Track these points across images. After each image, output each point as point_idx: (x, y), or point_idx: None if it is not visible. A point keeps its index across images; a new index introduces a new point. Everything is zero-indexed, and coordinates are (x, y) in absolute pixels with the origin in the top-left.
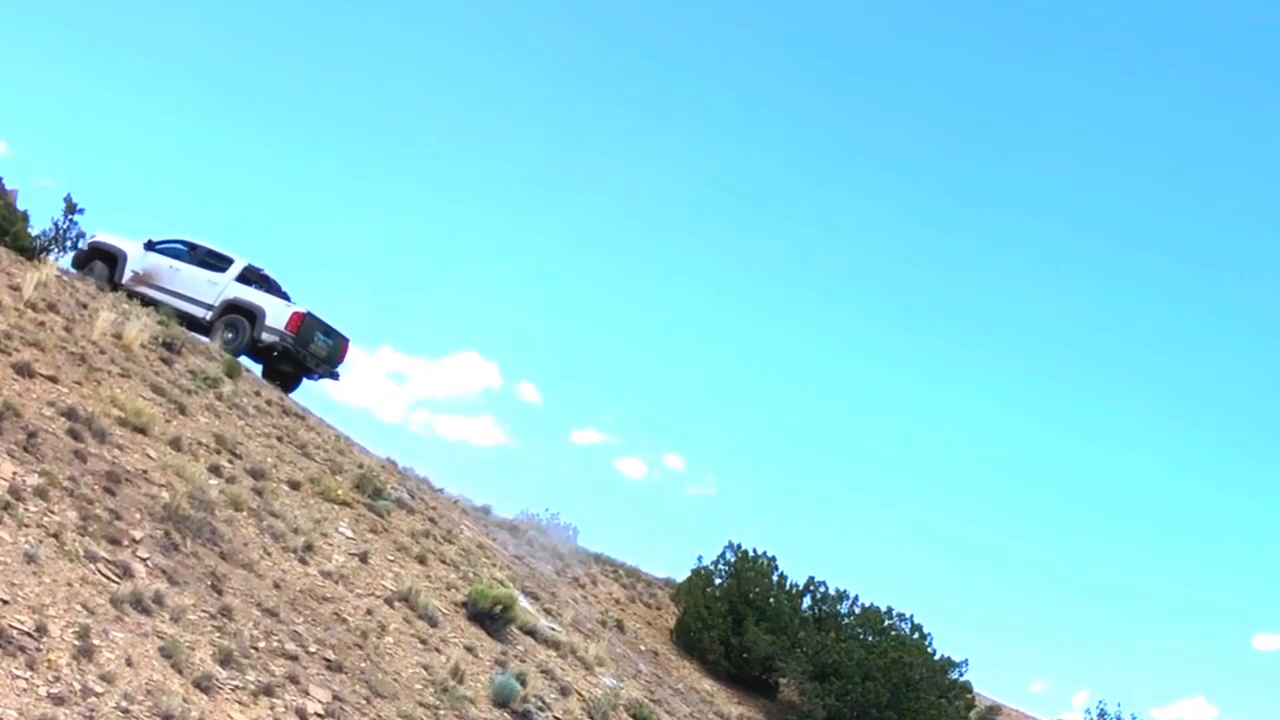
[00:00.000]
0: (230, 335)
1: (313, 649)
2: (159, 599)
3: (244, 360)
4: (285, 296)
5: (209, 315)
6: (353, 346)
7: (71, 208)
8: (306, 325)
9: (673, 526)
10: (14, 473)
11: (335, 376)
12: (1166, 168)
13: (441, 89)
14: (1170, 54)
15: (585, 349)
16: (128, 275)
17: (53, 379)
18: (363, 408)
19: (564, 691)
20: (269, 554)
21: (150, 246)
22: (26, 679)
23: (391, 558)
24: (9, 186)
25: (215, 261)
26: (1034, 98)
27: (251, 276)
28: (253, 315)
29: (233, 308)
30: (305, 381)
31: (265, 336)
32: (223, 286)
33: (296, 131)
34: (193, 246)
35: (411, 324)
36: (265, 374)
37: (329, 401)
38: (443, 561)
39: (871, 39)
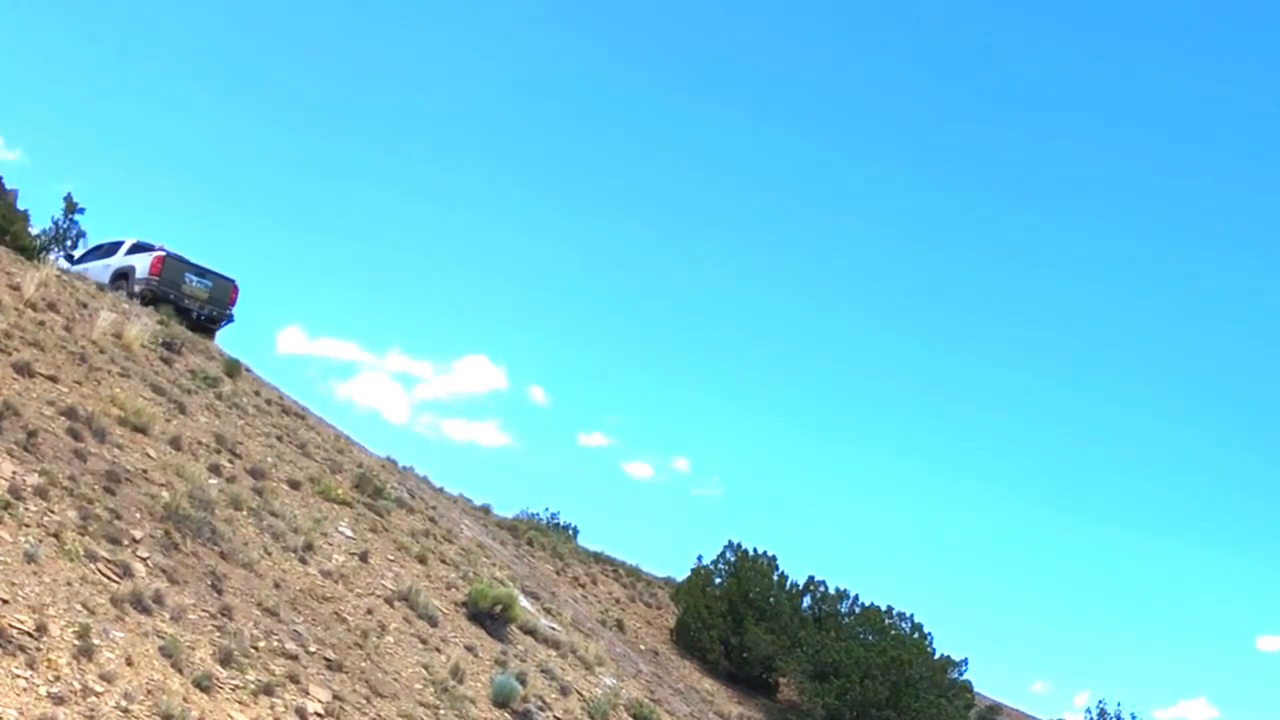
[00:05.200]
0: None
1: (313, 648)
2: (159, 598)
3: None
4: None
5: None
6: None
7: (72, 207)
8: (169, 266)
9: (680, 527)
10: (14, 472)
11: (230, 319)
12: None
13: (452, 94)
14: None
15: (593, 353)
16: None
17: (53, 378)
18: (370, 409)
19: (564, 691)
20: (269, 553)
21: (71, 260)
22: (26, 678)
23: (391, 557)
24: (9, 186)
25: (111, 249)
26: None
27: (140, 248)
28: (127, 274)
29: (118, 275)
30: (220, 334)
31: (138, 287)
32: (114, 264)
33: (306, 135)
34: (99, 246)
35: (421, 327)
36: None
37: (333, 402)
38: (443, 561)
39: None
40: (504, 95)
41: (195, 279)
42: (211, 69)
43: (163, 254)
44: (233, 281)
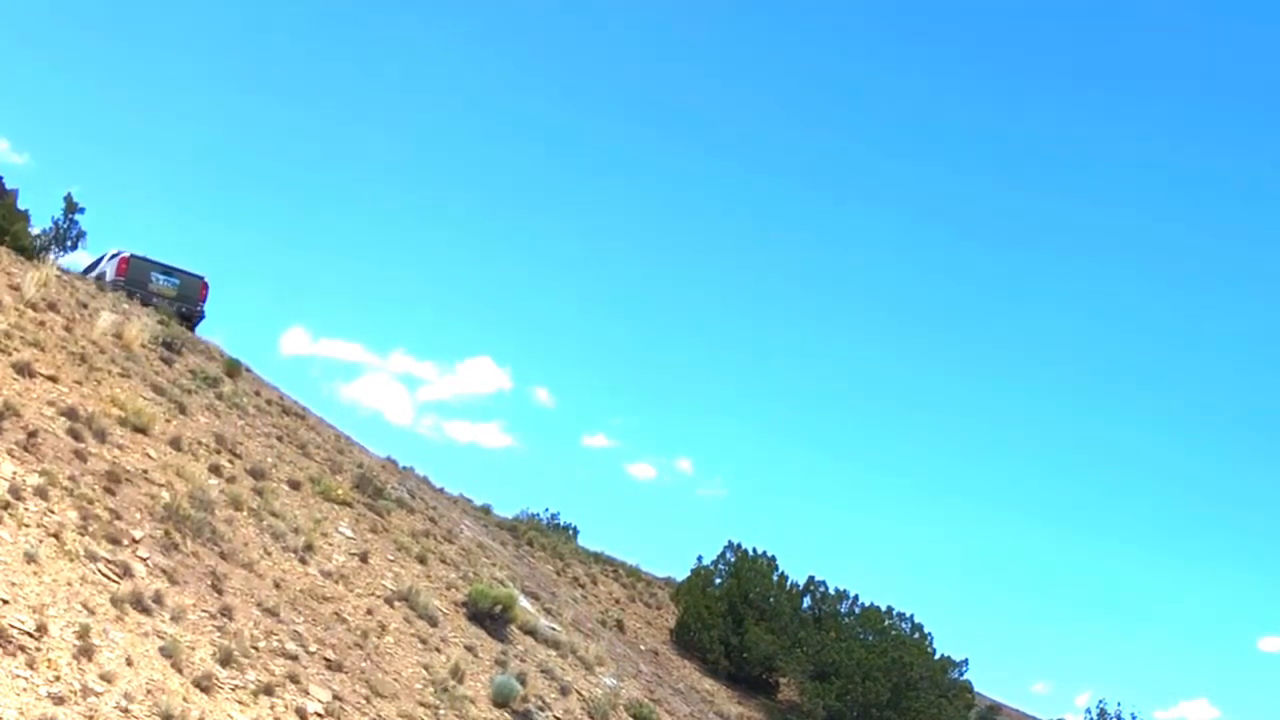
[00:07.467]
0: None
1: (313, 649)
2: (159, 599)
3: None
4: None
5: None
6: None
7: (72, 207)
8: (133, 266)
9: (683, 528)
10: (14, 473)
11: (202, 315)
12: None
13: (456, 96)
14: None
15: (596, 355)
16: None
17: (53, 379)
18: (373, 410)
19: (564, 691)
20: (269, 554)
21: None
22: (26, 678)
23: (391, 557)
24: (9, 187)
25: (98, 261)
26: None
27: (116, 256)
28: (101, 278)
29: (96, 281)
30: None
31: (110, 289)
32: (98, 273)
33: (311, 137)
34: (96, 260)
35: (425, 329)
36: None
37: (337, 403)
38: (443, 561)
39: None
40: (507, 97)
41: (162, 277)
42: (216, 73)
43: (127, 255)
44: (201, 279)
